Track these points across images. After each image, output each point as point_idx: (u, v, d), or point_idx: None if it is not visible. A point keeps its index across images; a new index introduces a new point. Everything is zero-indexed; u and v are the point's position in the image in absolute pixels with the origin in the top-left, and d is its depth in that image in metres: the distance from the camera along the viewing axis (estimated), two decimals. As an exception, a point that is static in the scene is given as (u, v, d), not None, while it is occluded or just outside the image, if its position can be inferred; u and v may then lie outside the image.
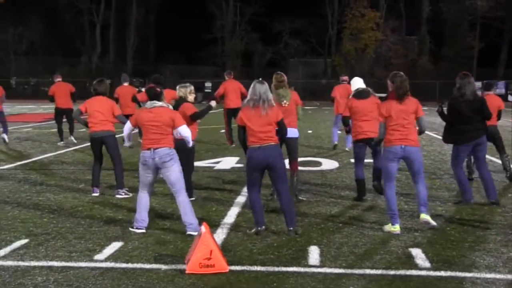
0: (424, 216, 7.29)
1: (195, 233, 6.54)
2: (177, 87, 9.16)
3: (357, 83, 9.51)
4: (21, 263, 5.97)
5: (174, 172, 7.11)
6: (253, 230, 7.06)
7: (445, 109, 8.79)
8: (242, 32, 66.78)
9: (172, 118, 7.22)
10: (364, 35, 56.62)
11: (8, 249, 6.45)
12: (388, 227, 7.23)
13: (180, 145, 7.64)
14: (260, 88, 7.06)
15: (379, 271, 5.78)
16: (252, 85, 7.12)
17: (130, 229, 7.17)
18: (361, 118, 8.95)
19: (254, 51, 68.54)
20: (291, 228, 7.04)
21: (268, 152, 6.95)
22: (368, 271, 5.80)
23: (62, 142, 16.44)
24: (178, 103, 8.95)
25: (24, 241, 6.73)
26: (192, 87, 9.16)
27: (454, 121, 8.57)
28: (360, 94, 9.16)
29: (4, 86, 17.36)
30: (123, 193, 9.34)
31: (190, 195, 7.73)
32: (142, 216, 7.21)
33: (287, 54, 68.59)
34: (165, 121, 7.15)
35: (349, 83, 16.54)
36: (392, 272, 5.77)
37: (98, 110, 9.31)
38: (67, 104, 16.52)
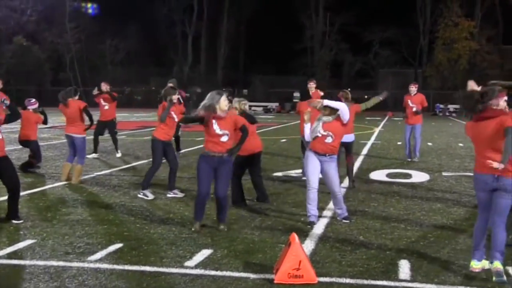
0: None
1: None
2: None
3: None
4: (116, 267, 6.17)
5: None
6: None
7: None
8: (331, 42, 66.67)
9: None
10: (458, 45, 55.12)
11: (104, 252, 6.70)
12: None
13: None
14: None
15: (473, 289, 5.58)
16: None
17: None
18: None
19: (343, 61, 68.23)
20: None
21: None
22: (461, 288, 5.61)
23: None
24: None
25: (118, 245, 6.97)
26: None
27: None
28: None
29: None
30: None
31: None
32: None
33: (377, 64, 67.80)
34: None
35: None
36: (487, 291, 5.55)
37: None
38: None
